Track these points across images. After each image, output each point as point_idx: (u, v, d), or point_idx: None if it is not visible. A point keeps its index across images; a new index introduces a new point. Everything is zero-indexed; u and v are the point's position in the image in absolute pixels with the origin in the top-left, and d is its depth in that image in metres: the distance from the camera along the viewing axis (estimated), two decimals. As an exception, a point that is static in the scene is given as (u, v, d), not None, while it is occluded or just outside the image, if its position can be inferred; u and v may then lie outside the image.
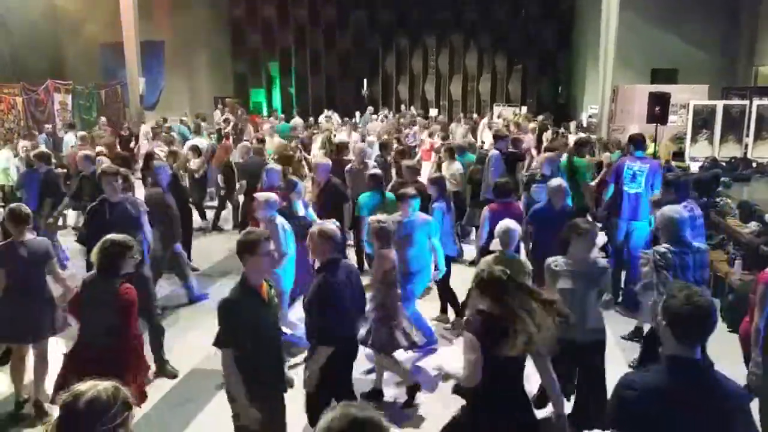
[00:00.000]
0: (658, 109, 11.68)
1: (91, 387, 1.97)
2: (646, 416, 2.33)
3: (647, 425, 2.34)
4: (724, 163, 12.50)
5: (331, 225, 4.07)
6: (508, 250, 4.94)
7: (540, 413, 3.80)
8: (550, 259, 4.42)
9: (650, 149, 12.56)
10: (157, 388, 5.21)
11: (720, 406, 2.31)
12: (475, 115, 21.70)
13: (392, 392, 5.15)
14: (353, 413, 1.84)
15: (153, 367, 5.26)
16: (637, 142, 7.65)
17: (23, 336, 4.92)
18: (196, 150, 10.45)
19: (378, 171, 7.31)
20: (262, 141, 11.41)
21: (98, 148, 10.94)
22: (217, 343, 3.44)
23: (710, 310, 2.37)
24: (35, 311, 4.86)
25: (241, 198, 9.50)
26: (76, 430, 1.92)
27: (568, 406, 4.09)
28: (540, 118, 18.72)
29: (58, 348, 5.22)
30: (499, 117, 20.08)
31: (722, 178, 10.31)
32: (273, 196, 5.84)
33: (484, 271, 3.27)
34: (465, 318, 3.71)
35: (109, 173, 5.97)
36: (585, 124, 18.90)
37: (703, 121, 13.90)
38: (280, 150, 10.56)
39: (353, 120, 19.45)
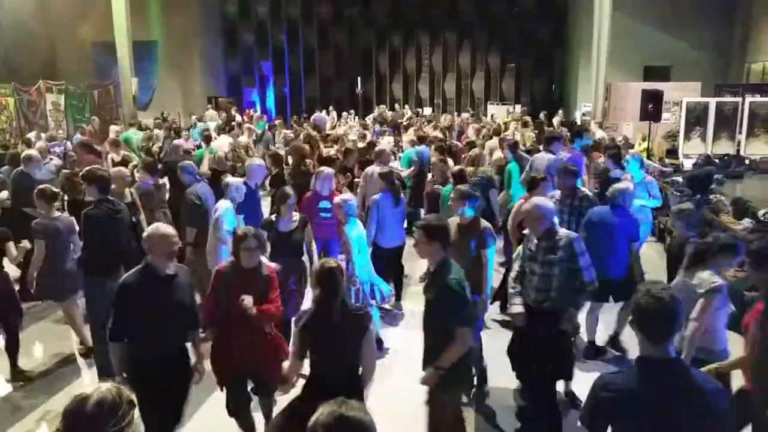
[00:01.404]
0: (651, 106, 11.73)
1: (95, 389, 1.95)
2: (620, 418, 2.32)
3: (621, 427, 2.33)
4: (717, 160, 12.55)
5: (169, 228, 3.88)
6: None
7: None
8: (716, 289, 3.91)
9: (643, 146, 12.65)
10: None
11: (696, 405, 2.28)
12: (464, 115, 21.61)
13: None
14: (341, 411, 1.92)
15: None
16: (580, 134, 8.79)
17: (60, 295, 5.87)
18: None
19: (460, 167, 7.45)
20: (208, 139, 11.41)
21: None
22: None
23: (673, 304, 2.33)
24: (65, 275, 5.72)
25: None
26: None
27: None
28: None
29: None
30: (493, 116, 20.03)
31: (716, 175, 10.35)
32: None
33: (317, 266, 3.53)
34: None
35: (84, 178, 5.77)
36: (579, 122, 18.93)
37: (696, 118, 13.96)
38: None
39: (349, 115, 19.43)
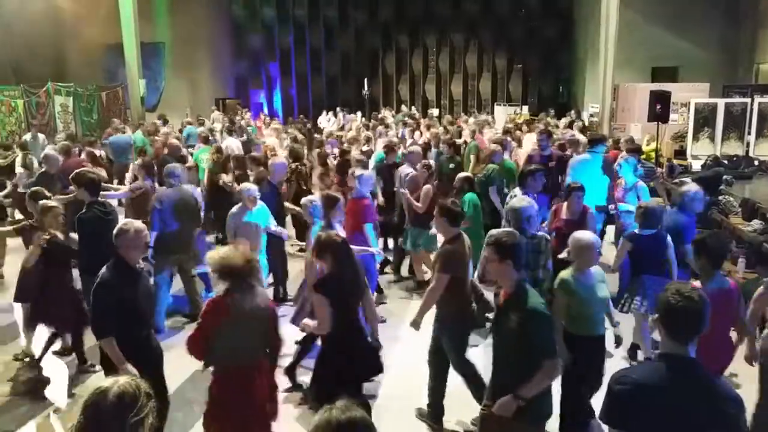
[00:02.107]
0: (660, 107, 11.64)
1: (113, 383, 1.99)
2: (636, 412, 2.31)
3: (638, 421, 2.32)
4: (725, 162, 12.48)
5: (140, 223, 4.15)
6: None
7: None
8: None
9: (652, 147, 12.60)
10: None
11: (715, 407, 2.27)
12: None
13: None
14: (335, 417, 1.88)
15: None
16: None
17: None
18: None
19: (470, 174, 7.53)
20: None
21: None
22: None
23: (702, 304, 2.34)
24: None
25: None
26: (108, 426, 1.94)
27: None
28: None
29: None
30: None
31: (724, 177, 10.29)
32: None
33: (321, 236, 4.09)
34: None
35: (73, 181, 5.96)
36: (587, 123, 18.87)
37: (704, 119, 13.88)
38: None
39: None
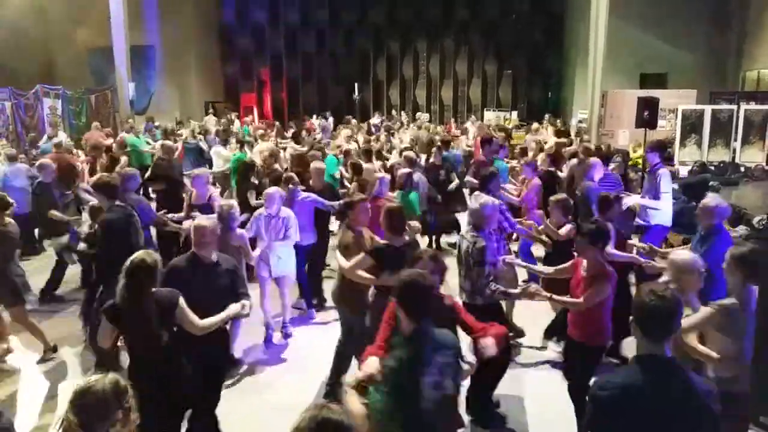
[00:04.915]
0: (647, 113, 11.72)
1: (99, 379, 2.13)
2: (620, 415, 2.33)
3: (622, 424, 2.34)
4: (712, 168, 12.60)
5: (203, 220, 4.42)
6: None
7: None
8: None
9: (639, 153, 12.69)
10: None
11: (695, 406, 2.31)
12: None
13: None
14: (323, 414, 1.92)
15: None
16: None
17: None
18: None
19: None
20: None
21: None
22: None
23: (674, 304, 2.37)
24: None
25: None
26: (87, 419, 2.05)
27: None
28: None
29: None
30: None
31: (711, 183, 10.39)
32: None
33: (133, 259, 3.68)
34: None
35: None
36: (576, 129, 18.98)
37: (691, 125, 14.00)
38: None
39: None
